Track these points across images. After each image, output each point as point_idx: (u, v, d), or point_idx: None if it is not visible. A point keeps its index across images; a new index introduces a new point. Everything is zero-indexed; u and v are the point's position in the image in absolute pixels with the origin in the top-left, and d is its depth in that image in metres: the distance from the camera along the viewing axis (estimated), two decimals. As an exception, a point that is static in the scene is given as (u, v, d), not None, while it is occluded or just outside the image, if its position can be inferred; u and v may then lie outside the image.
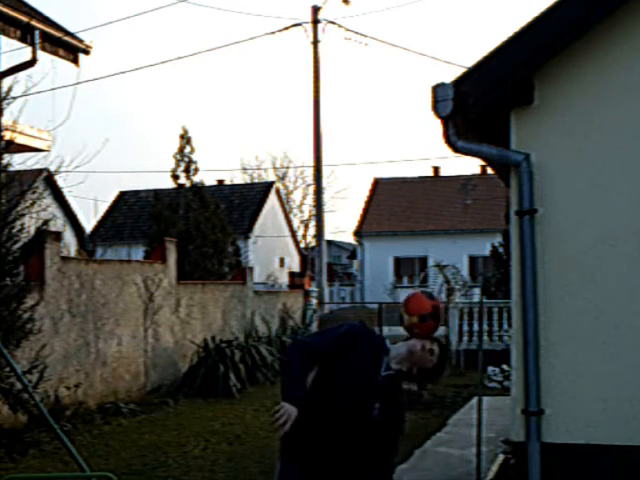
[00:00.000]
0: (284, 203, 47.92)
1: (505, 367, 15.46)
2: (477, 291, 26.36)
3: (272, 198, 44.18)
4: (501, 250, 23.12)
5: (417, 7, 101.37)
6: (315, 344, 4.41)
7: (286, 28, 24.06)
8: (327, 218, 36.46)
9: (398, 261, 41.82)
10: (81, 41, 13.28)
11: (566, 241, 5.45)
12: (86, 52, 13.35)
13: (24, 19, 12.01)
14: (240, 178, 54.65)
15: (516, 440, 5.53)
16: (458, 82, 5.41)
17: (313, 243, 40.36)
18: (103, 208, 44.68)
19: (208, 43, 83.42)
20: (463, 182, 42.74)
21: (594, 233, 5.42)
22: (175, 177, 21.61)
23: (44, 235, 11.25)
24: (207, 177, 66.88)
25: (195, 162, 21.71)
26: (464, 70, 5.69)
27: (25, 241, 10.51)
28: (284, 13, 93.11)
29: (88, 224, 38.92)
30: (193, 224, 19.94)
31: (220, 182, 44.59)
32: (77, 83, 13.00)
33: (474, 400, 11.80)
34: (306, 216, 54.66)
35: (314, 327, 20.46)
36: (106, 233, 40.27)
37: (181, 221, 20.09)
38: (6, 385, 9.45)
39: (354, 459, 4.29)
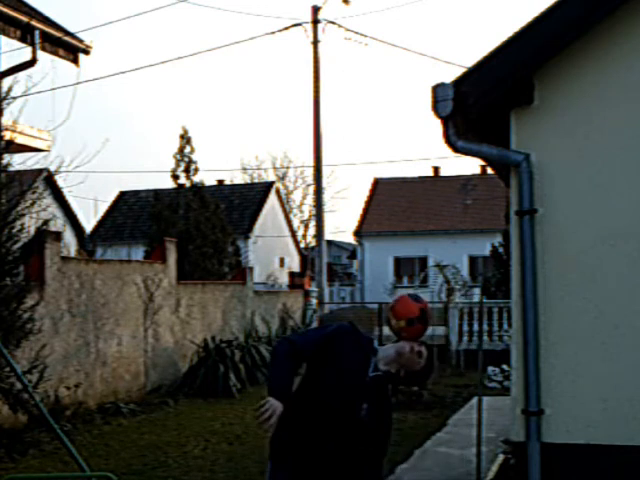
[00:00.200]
0: (284, 203, 47.91)
1: (505, 367, 15.46)
2: (477, 291, 26.37)
3: (272, 198, 44.18)
4: (501, 250, 23.14)
5: (417, 7, 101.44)
6: (301, 342, 4.40)
7: (286, 28, 24.05)
8: (327, 218, 36.47)
9: (398, 261, 41.82)
10: (81, 41, 13.28)
11: (566, 241, 5.45)
12: (86, 52, 13.35)
13: (24, 19, 12.01)
14: (240, 178, 54.73)
15: (516, 440, 5.53)
16: (458, 82, 5.41)
17: (313, 243, 40.37)
18: (103, 208, 44.73)
19: (208, 43, 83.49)
20: (463, 182, 42.73)
21: (594, 233, 5.42)
22: (175, 177, 21.62)
23: (44, 235, 11.25)
24: (207, 177, 66.99)
25: (195, 162, 21.74)
26: (464, 70, 5.69)
27: (25, 241, 10.51)
28: (284, 13, 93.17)
29: (88, 224, 38.97)
30: (193, 224, 19.94)
31: (220, 182, 44.59)
32: (77, 83, 13.01)
33: (474, 400, 11.81)
34: (306, 216, 54.70)
35: (314, 327, 20.46)
36: (106, 233, 40.27)
37: (181, 221, 20.09)
38: (6, 385, 9.45)
39: (343, 460, 4.29)
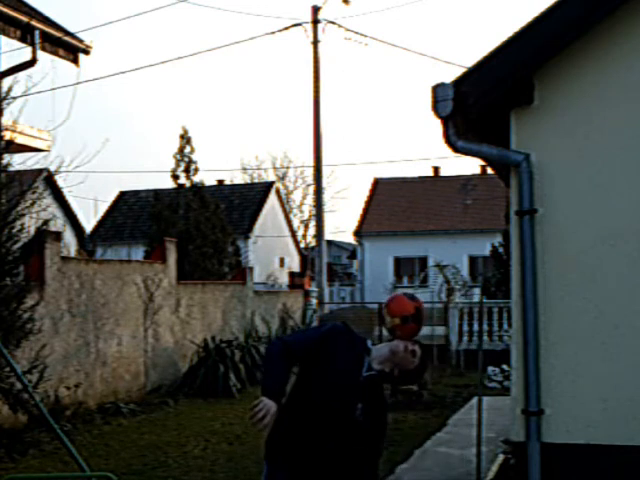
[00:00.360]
0: (284, 203, 47.91)
1: (505, 367, 15.46)
2: (477, 291, 26.37)
3: (272, 198, 44.18)
4: (501, 250, 23.13)
5: (417, 7, 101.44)
6: (294, 343, 4.40)
7: (286, 28, 24.06)
8: (327, 218, 36.46)
9: (398, 261, 41.81)
10: (81, 41, 13.28)
11: (566, 241, 5.45)
12: (86, 52, 13.35)
13: (24, 19, 12.01)
14: (240, 178, 54.73)
15: (516, 440, 5.53)
16: (458, 82, 5.41)
17: (313, 243, 40.37)
18: (103, 208, 44.71)
19: (208, 43, 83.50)
20: (463, 182, 42.73)
21: (594, 233, 5.42)
22: (175, 177, 21.63)
23: (44, 235, 11.25)
24: (207, 177, 66.95)
25: (195, 162, 21.74)
26: (464, 70, 5.69)
27: (25, 241, 10.51)
28: (284, 13, 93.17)
29: (88, 224, 38.96)
30: (193, 224, 19.95)
31: (220, 182, 44.59)
32: (77, 83, 13.01)
33: (474, 400, 11.81)
34: (306, 216, 54.70)
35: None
36: (106, 233, 40.27)
37: (181, 221, 20.09)
38: (6, 385, 9.45)
39: (338, 459, 4.29)
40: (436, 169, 45.00)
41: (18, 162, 10.61)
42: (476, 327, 18.69)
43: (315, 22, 24.28)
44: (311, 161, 25.91)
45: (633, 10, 5.38)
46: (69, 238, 29.07)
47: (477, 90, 5.46)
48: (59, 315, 11.81)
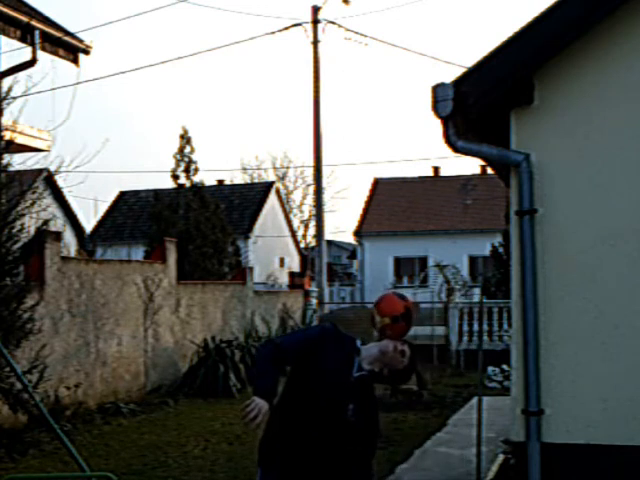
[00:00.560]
0: (284, 203, 47.90)
1: (505, 367, 15.46)
2: (477, 291, 26.37)
3: (272, 198, 44.17)
4: (501, 250, 23.13)
5: (417, 7, 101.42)
6: (285, 344, 4.42)
7: (286, 28, 24.05)
8: (327, 218, 36.43)
9: (398, 261, 41.80)
10: (81, 41, 13.28)
11: (566, 241, 5.45)
12: (86, 52, 13.35)
13: (24, 19, 12.01)
14: (240, 178, 54.71)
15: (516, 440, 5.53)
16: (458, 82, 5.41)
17: (313, 243, 40.36)
18: (103, 208, 44.67)
19: (208, 43, 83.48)
20: (463, 182, 42.72)
21: (594, 233, 5.42)
22: (175, 177, 21.63)
23: (44, 235, 11.25)
24: (207, 177, 66.91)
25: (195, 162, 21.75)
26: (464, 70, 5.69)
27: (25, 241, 10.51)
28: (284, 13, 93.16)
29: (88, 224, 38.94)
30: (193, 224, 19.95)
31: (220, 182, 44.58)
32: (77, 83, 13.01)
33: (474, 400, 11.80)
34: (306, 216, 54.70)
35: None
36: (106, 233, 40.26)
37: (181, 221, 20.10)
38: (6, 385, 9.45)
39: (331, 460, 4.29)
40: (436, 169, 44.99)
41: (18, 162, 10.62)
42: (476, 327, 18.69)
43: (315, 22, 24.27)
44: (311, 161, 25.92)
45: (633, 10, 5.38)
46: (69, 238, 29.06)
47: (477, 90, 5.46)
48: (59, 315, 11.81)
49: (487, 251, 27.02)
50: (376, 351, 4.38)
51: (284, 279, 36.21)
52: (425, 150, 78.63)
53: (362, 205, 43.78)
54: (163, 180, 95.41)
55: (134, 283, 13.92)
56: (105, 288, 13.04)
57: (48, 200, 14.77)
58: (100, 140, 15.13)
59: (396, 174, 46.66)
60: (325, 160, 25.26)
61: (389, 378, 4.44)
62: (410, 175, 44.84)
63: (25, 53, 12.21)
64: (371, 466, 4.48)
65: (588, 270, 5.40)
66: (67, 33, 13.00)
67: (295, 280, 22.56)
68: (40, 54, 12.31)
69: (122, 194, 43.42)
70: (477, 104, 5.48)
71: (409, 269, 41.43)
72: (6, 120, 10.60)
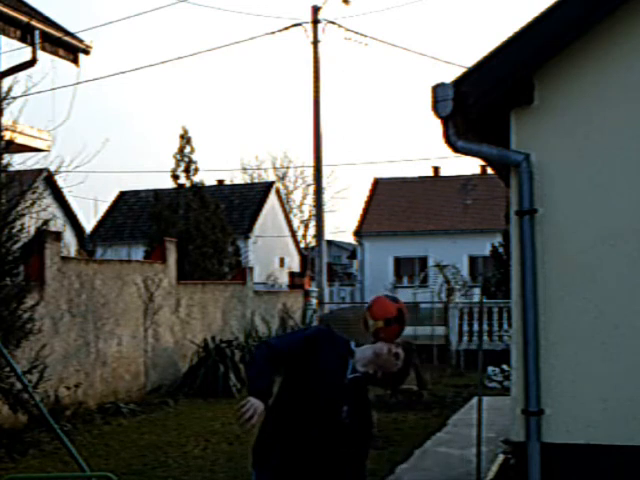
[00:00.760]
0: (284, 203, 47.91)
1: (505, 367, 15.46)
2: (477, 291, 26.37)
3: (272, 198, 44.18)
4: (501, 250, 23.13)
5: (417, 7, 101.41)
6: (279, 345, 4.43)
7: (286, 28, 24.03)
8: (327, 218, 36.40)
9: (398, 261, 41.82)
10: (81, 41, 13.28)
11: (566, 241, 5.45)
12: (86, 52, 13.35)
13: (24, 19, 12.01)
14: (240, 178, 54.72)
15: (516, 440, 5.53)
16: (458, 82, 5.41)
17: (313, 243, 40.35)
18: (103, 208, 44.69)
19: (208, 43, 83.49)
20: (463, 182, 42.74)
21: (594, 233, 5.42)
22: (175, 177, 21.64)
23: (44, 235, 11.25)
24: (207, 177, 66.93)
25: (195, 162, 21.76)
26: (464, 70, 5.69)
27: (25, 241, 10.51)
28: (284, 13, 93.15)
29: (88, 224, 38.96)
30: (193, 224, 19.95)
31: (220, 182, 44.59)
32: (77, 83, 13.01)
33: (474, 400, 11.80)
34: (306, 216, 54.70)
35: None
36: (106, 233, 40.26)
37: (181, 221, 20.10)
38: (6, 385, 9.45)
39: (325, 462, 4.30)
40: (436, 169, 45.01)
41: (18, 162, 10.62)
42: (476, 327, 18.69)
43: (315, 22, 24.26)
44: (311, 161, 25.91)
45: (633, 10, 5.38)
46: (69, 238, 29.06)
47: (477, 90, 5.46)
48: (59, 315, 11.81)
49: (487, 251, 27.02)
50: (370, 353, 4.38)
51: (284, 279, 36.22)
52: (425, 150, 78.76)
53: (362, 205, 43.82)
54: (163, 180, 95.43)
55: (134, 283, 13.92)
56: (105, 288, 13.04)
57: (48, 200, 14.77)
58: (100, 140, 15.18)
59: (396, 174, 46.73)
60: (325, 160, 25.28)
61: (383, 380, 4.44)
62: (410, 175, 44.90)
63: (25, 53, 12.22)
64: (364, 467, 4.48)
65: (588, 270, 5.40)
66: (67, 33, 13.00)
67: (295, 280, 22.56)
68: (40, 54, 12.31)
69: (122, 194, 43.42)
70: (477, 104, 5.48)
71: (409, 269, 41.45)
72: (6, 120, 10.60)
